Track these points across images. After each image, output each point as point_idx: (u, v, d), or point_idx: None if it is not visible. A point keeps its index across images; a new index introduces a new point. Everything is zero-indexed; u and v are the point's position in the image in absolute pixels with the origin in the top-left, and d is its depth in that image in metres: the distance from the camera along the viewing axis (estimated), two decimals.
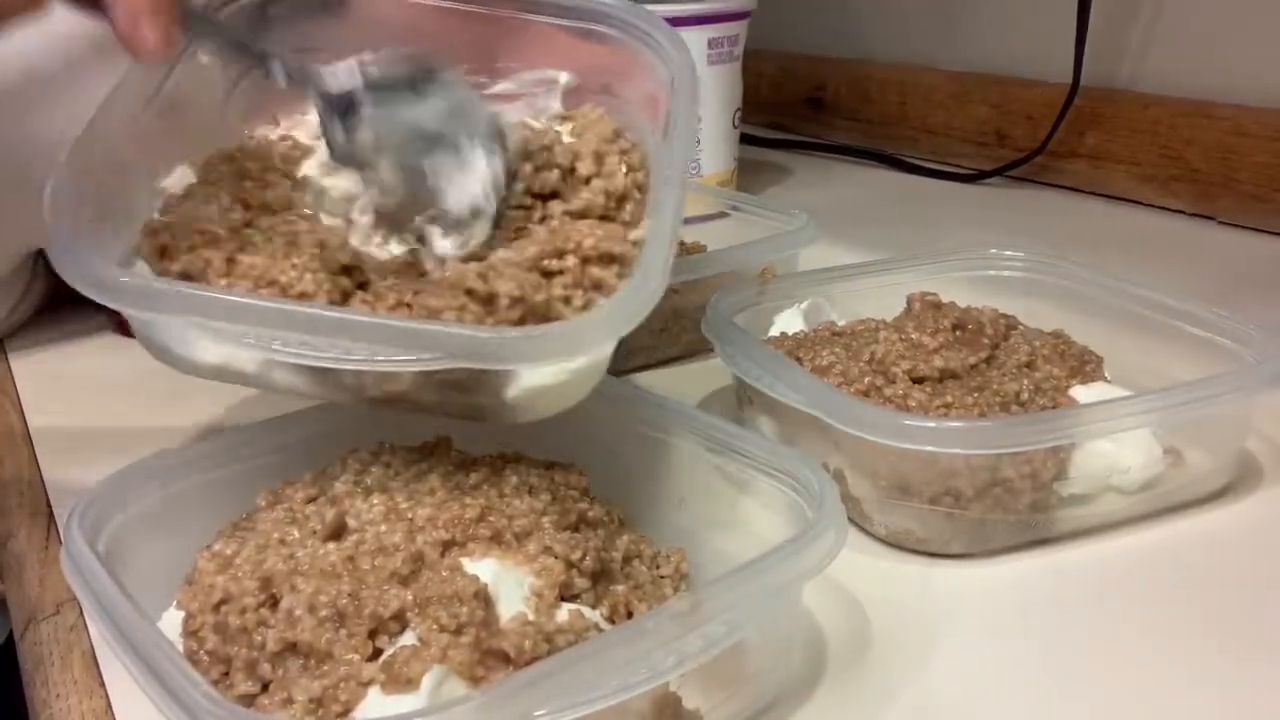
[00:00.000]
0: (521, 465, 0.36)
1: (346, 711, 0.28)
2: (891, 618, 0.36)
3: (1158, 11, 0.81)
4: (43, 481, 0.47)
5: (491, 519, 0.33)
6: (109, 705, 0.34)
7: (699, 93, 0.39)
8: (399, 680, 0.28)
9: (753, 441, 0.36)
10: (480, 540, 0.32)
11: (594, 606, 0.32)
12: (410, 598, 0.30)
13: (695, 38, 0.79)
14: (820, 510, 0.32)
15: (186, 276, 0.35)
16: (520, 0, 0.42)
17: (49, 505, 0.45)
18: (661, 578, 0.35)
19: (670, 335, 0.57)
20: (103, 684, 0.35)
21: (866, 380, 0.44)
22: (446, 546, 0.32)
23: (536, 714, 0.25)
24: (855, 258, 0.58)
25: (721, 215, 0.73)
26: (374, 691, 0.28)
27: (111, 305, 0.33)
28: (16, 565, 0.42)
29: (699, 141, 0.82)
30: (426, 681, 0.27)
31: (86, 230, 0.33)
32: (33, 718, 0.35)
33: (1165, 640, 0.35)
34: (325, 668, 0.29)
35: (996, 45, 0.94)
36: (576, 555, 0.32)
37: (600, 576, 0.33)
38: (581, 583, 0.32)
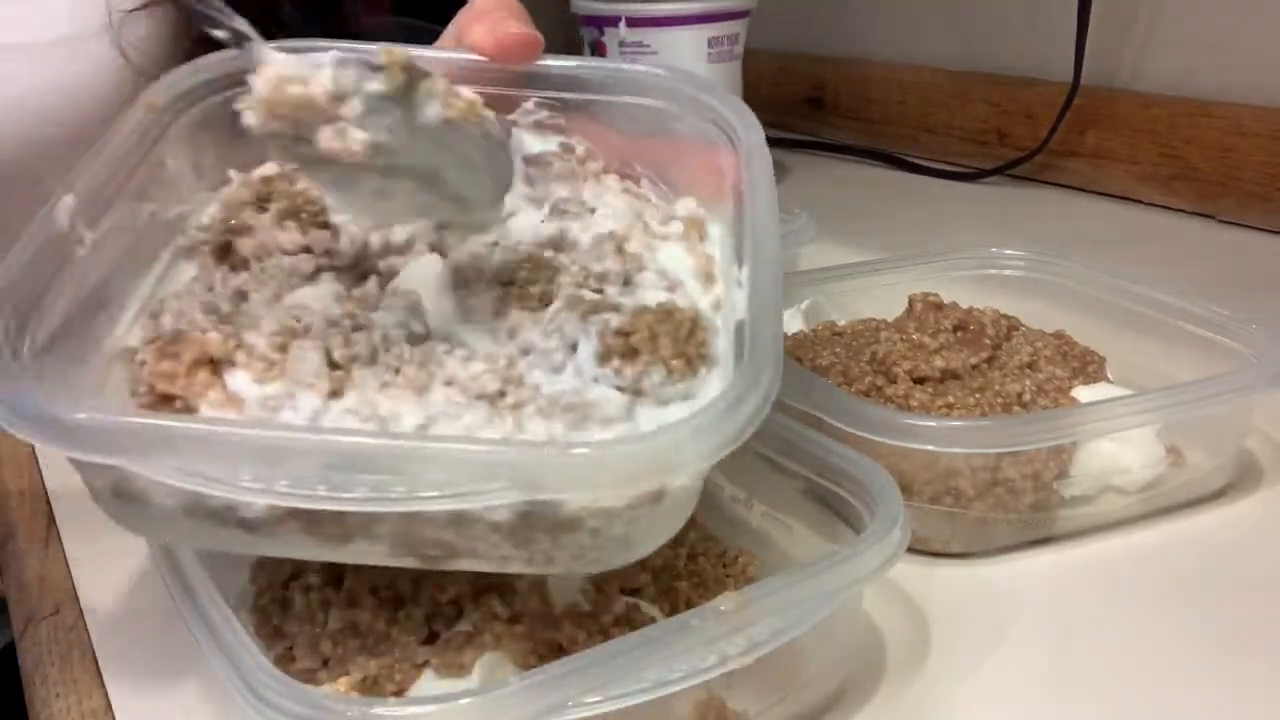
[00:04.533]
0: None
1: (400, 691, 0.29)
2: (891, 617, 0.36)
3: (1158, 11, 0.81)
4: (43, 482, 0.47)
5: None
6: (109, 705, 0.34)
7: (769, 156, 0.34)
8: (452, 665, 0.29)
9: (814, 442, 0.35)
10: None
11: (653, 601, 0.32)
12: (467, 585, 0.30)
13: (695, 37, 0.79)
14: (877, 516, 0.31)
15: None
16: (540, 77, 0.38)
17: (49, 505, 0.45)
18: (727, 577, 0.35)
19: None
20: (103, 684, 0.35)
21: (867, 380, 0.44)
22: None
23: (571, 704, 0.25)
24: (855, 257, 0.58)
25: None
26: (428, 673, 0.29)
27: (65, 452, 0.26)
28: (16, 565, 0.42)
29: None
30: (478, 667, 0.28)
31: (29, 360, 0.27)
32: (32, 717, 0.35)
33: (1166, 639, 0.35)
34: (382, 648, 0.30)
35: (996, 45, 0.94)
36: None
37: (662, 572, 0.33)
38: (643, 577, 0.33)
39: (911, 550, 0.39)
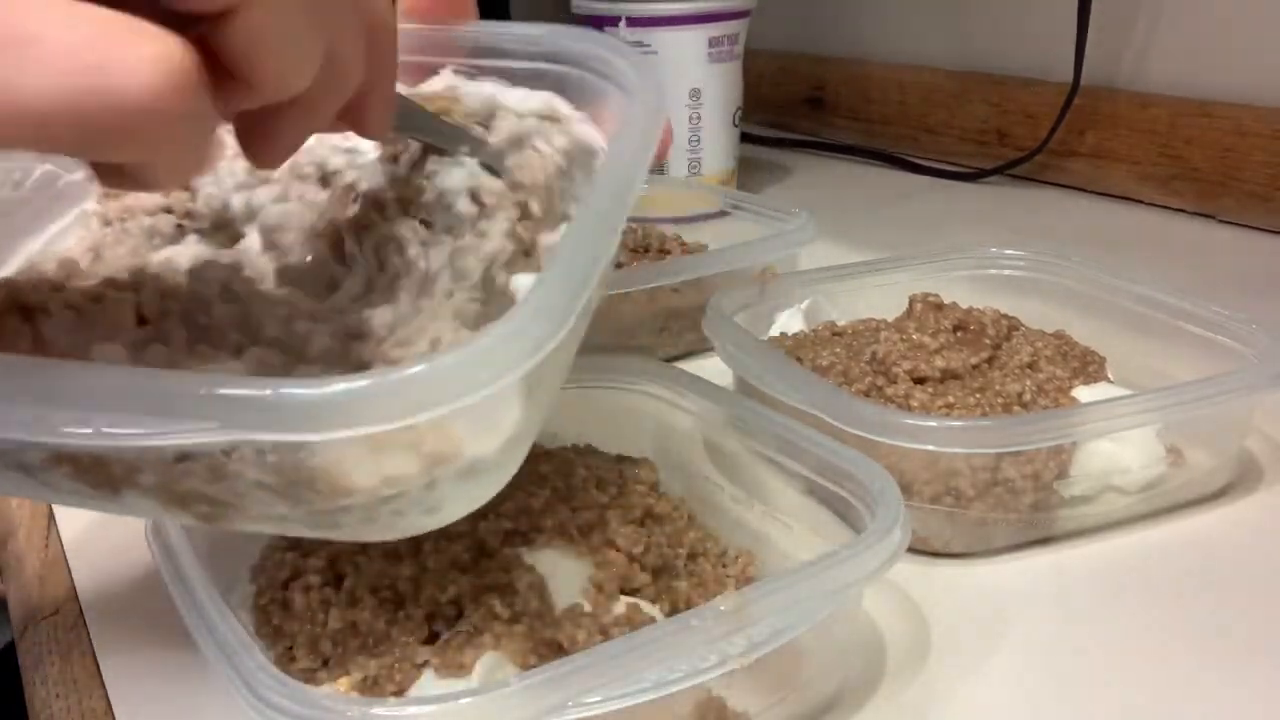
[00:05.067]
0: (592, 458, 0.36)
1: (400, 691, 0.29)
2: (891, 617, 0.36)
3: (1158, 11, 0.81)
4: None
5: (557, 510, 0.33)
6: (109, 705, 0.34)
7: (660, 120, 0.31)
8: (452, 665, 0.29)
9: (814, 442, 0.35)
10: (544, 531, 0.32)
11: (654, 601, 0.32)
12: (468, 585, 0.30)
13: (695, 37, 0.79)
14: (877, 516, 0.31)
15: None
16: (474, 48, 0.36)
17: (49, 505, 0.45)
18: (727, 577, 0.35)
19: (670, 335, 0.57)
20: (103, 684, 0.35)
21: (867, 380, 0.44)
22: (509, 536, 0.32)
23: (571, 704, 0.25)
24: (855, 257, 0.58)
25: (721, 214, 0.73)
26: (428, 673, 0.29)
27: None
28: (16, 565, 0.42)
29: (683, 150, 0.82)
30: (479, 667, 0.28)
31: None
32: (32, 718, 0.35)
33: (1166, 639, 0.35)
34: (382, 648, 0.30)
35: (996, 45, 0.94)
36: (639, 549, 0.33)
37: (662, 571, 0.33)
38: (643, 577, 0.33)
39: (911, 550, 0.39)
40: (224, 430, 0.22)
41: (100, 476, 0.25)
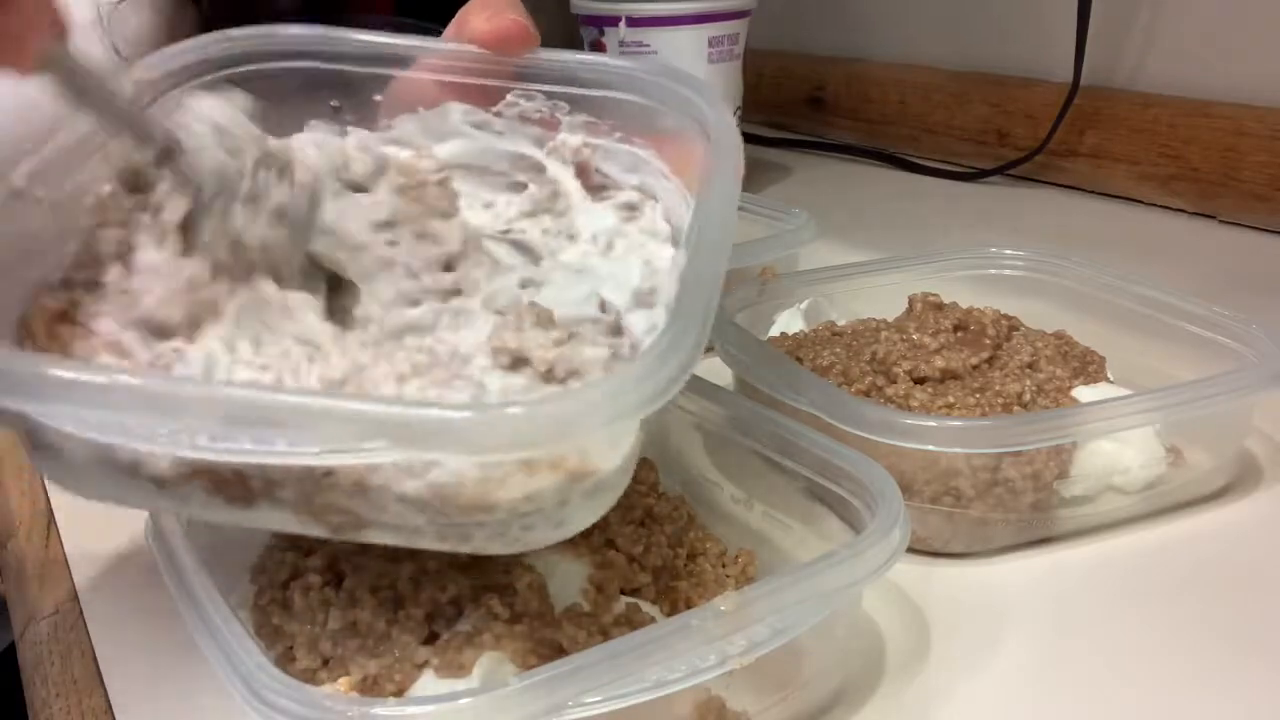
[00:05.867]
0: None
1: (400, 691, 0.29)
2: (891, 617, 0.36)
3: (1158, 11, 0.81)
4: (43, 481, 0.47)
5: None
6: (109, 705, 0.34)
7: (742, 159, 0.33)
8: (452, 664, 0.29)
9: (814, 442, 0.35)
10: None
11: (654, 601, 0.32)
12: (468, 585, 0.30)
13: (695, 36, 0.79)
14: (877, 516, 0.31)
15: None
16: (538, 72, 0.37)
17: (49, 505, 0.45)
18: (727, 577, 0.35)
19: None
20: (103, 684, 0.35)
21: (867, 380, 0.44)
22: None
23: (571, 704, 0.25)
24: (855, 257, 0.58)
25: None
26: (428, 673, 0.29)
27: None
28: (16, 565, 0.42)
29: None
30: (479, 667, 0.28)
31: None
32: (32, 718, 0.35)
33: (1166, 639, 0.35)
34: (382, 648, 0.30)
35: (996, 45, 0.94)
36: (638, 550, 0.33)
37: (662, 572, 0.33)
38: (643, 577, 0.33)
39: (911, 550, 0.39)
40: (394, 450, 0.24)
41: (238, 491, 0.26)
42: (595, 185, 0.37)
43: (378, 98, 0.38)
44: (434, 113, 0.37)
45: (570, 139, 0.37)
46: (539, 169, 0.38)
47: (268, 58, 0.37)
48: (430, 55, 0.37)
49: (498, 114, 0.38)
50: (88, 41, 0.53)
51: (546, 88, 0.37)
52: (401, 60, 0.38)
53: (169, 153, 0.31)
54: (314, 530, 0.27)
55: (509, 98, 0.37)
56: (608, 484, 0.27)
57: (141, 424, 0.25)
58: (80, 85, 0.29)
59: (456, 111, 0.37)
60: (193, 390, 0.25)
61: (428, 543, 0.27)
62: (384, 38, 0.37)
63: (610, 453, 0.27)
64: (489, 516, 0.26)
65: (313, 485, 0.26)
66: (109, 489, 0.28)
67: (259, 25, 0.37)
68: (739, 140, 0.33)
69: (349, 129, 0.38)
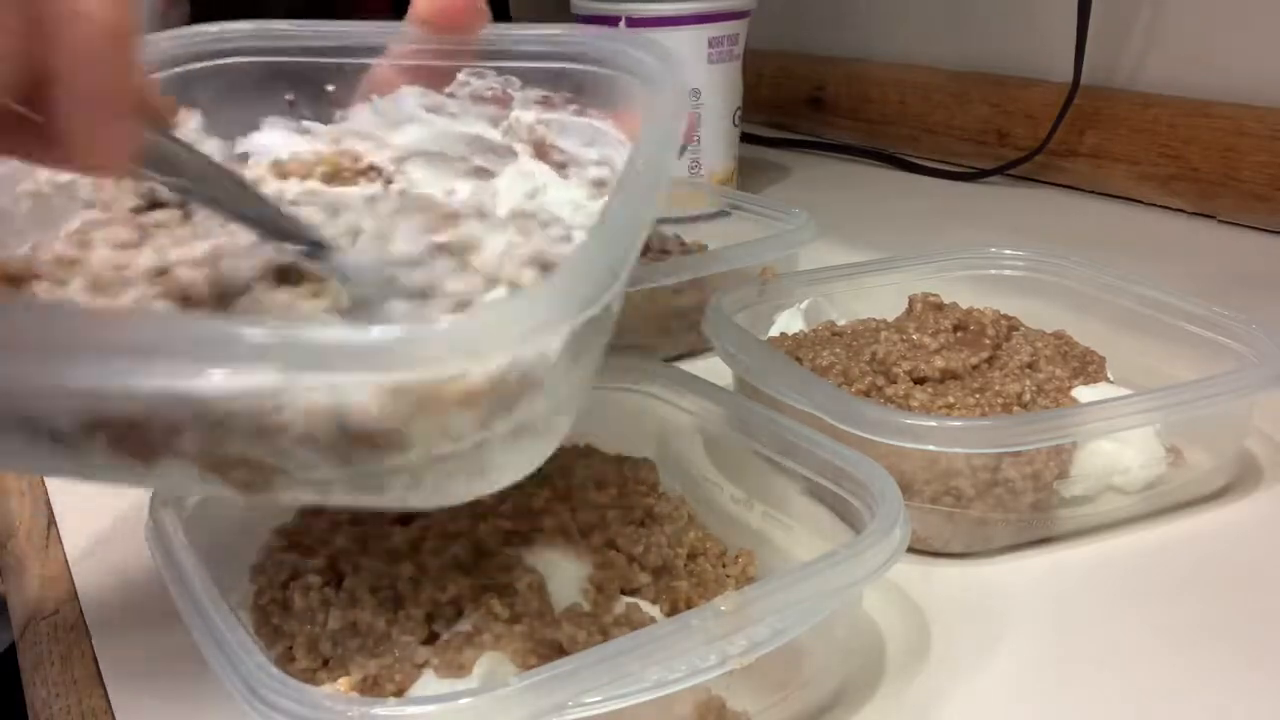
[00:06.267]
0: (593, 458, 0.36)
1: (400, 691, 0.29)
2: (891, 617, 0.36)
3: (1158, 11, 0.81)
4: (43, 481, 0.47)
5: (557, 510, 0.33)
6: (109, 705, 0.34)
7: (685, 103, 0.32)
8: (451, 665, 0.29)
9: (814, 442, 0.35)
10: (543, 531, 0.32)
11: (654, 601, 0.32)
12: (468, 585, 0.30)
13: (695, 37, 0.79)
14: (877, 516, 0.31)
15: None
16: (488, 49, 0.37)
17: (49, 505, 0.45)
18: (727, 577, 0.35)
19: (670, 335, 0.57)
20: (103, 684, 0.35)
21: (867, 380, 0.44)
22: (509, 536, 0.32)
23: (571, 704, 0.25)
24: (855, 257, 0.58)
25: (722, 214, 0.73)
26: (428, 673, 0.29)
27: None
28: (16, 565, 0.42)
29: (694, 142, 0.82)
30: (479, 667, 0.28)
31: None
32: (32, 718, 0.35)
33: (1166, 639, 0.35)
34: (382, 648, 0.30)
35: (996, 45, 0.94)
36: (639, 550, 0.33)
37: (662, 572, 0.33)
38: (643, 577, 0.33)
39: (911, 550, 0.39)
40: (286, 371, 0.22)
41: (137, 443, 0.25)
42: (556, 163, 0.36)
43: (330, 88, 0.37)
44: (388, 99, 0.37)
45: (524, 115, 0.36)
46: (500, 152, 0.36)
47: (220, 55, 0.37)
48: (382, 40, 0.37)
49: (450, 95, 0.37)
50: None
51: (496, 64, 0.36)
52: (352, 50, 0.37)
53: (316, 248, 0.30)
54: (219, 489, 0.25)
55: (460, 77, 0.36)
56: (532, 425, 0.25)
57: (36, 363, 0.23)
58: (186, 179, 0.28)
59: (410, 95, 0.37)
60: (79, 313, 0.23)
61: (340, 496, 0.25)
62: (332, 26, 0.37)
63: (522, 375, 0.24)
64: (401, 458, 0.24)
65: (210, 431, 0.24)
66: (10, 452, 0.26)
67: (213, 22, 0.37)
68: (682, 85, 0.32)
69: (305, 123, 0.37)
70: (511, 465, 0.26)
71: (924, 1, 1.00)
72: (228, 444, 0.24)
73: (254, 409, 0.23)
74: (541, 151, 0.36)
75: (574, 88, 0.36)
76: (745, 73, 0.85)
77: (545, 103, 0.36)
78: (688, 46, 0.80)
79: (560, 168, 0.36)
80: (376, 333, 0.22)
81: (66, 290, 0.28)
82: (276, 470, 0.25)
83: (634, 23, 0.79)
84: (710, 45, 0.80)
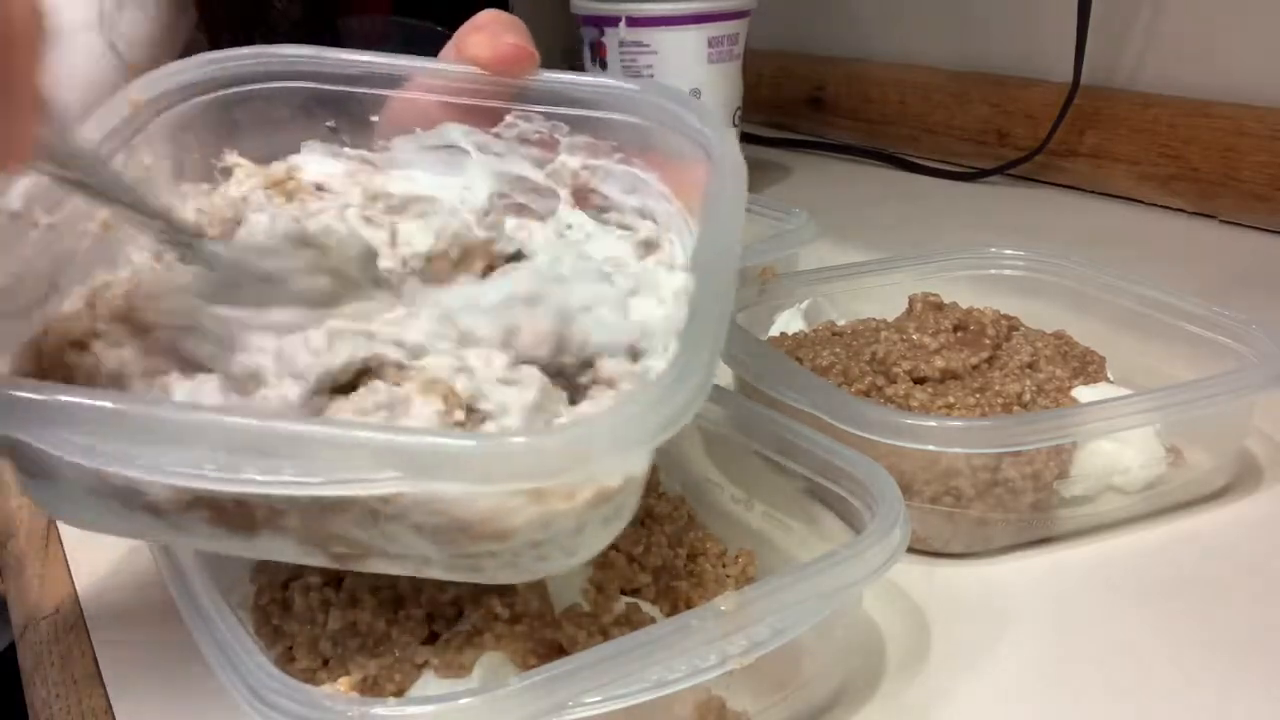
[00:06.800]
0: None
1: (400, 691, 0.29)
2: (891, 617, 0.36)
3: (1158, 11, 0.81)
4: None
5: None
6: (109, 705, 0.34)
7: (742, 177, 0.32)
8: (452, 665, 0.29)
9: (814, 442, 0.35)
10: None
11: (654, 601, 0.32)
12: (468, 586, 0.30)
13: (695, 37, 0.79)
14: (877, 516, 0.31)
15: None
16: (529, 91, 0.37)
17: None
18: (727, 577, 0.35)
19: None
20: (103, 684, 0.35)
21: (867, 380, 0.44)
22: None
23: (571, 704, 0.25)
24: (855, 257, 0.58)
25: None
26: (428, 673, 0.29)
27: None
28: (16, 565, 0.42)
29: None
30: (479, 667, 0.28)
31: None
32: (32, 717, 0.35)
33: (1166, 639, 0.35)
34: (382, 648, 0.30)
35: (996, 45, 0.94)
36: (638, 550, 0.33)
37: (662, 572, 0.33)
38: (643, 577, 0.33)
39: (911, 550, 0.39)
40: (407, 481, 0.23)
41: (240, 521, 0.26)
42: (596, 207, 0.37)
43: (374, 118, 0.38)
44: (432, 133, 0.37)
45: (570, 160, 0.37)
46: (543, 193, 0.37)
47: (263, 78, 0.37)
48: (428, 76, 0.37)
49: (497, 135, 0.37)
50: (89, 39, 0.53)
51: (546, 108, 0.37)
52: (398, 81, 0.37)
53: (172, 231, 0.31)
54: (315, 560, 0.27)
55: (508, 119, 0.37)
56: (622, 508, 0.27)
57: (146, 454, 0.24)
58: (78, 172, 0.28)
59: (455, 131, 0.37)
60: (201, 418, 0.24)
61: (436, 573, 0.27)
62: (380, 58, 0.37)
63: (626, 478, 0.26)
64: (501, 545, 0.25)
65: (319, 514, 0.26)
66: (104, 518, 0.27)
67: (254, 45, 0.37)
68: (742, 163, 0.32)
69: (345, 149, 0.38)
70: (600, 543, 0.27)
71: (924, 1, 1.00)
72: (335, 526, 0.26)
73: (368, 502, 0.25)
74: (581, 196, 0.37)
75: (620, 137, 0.36)
76: (745, 73, 0.85)
77: (591, 149, 0.37)
78: (688, 46, 0.80)
79: (600, 211, 0.37)
80: (497, 441, 0.23)
81: (121, 352, 0.29)
82: (376, 548, 0.26)
83: (634, 22, 0.79)
84: (710, 45, 0.80)
